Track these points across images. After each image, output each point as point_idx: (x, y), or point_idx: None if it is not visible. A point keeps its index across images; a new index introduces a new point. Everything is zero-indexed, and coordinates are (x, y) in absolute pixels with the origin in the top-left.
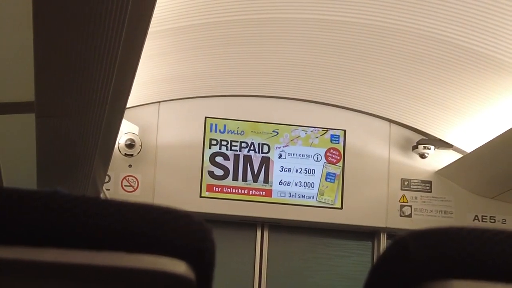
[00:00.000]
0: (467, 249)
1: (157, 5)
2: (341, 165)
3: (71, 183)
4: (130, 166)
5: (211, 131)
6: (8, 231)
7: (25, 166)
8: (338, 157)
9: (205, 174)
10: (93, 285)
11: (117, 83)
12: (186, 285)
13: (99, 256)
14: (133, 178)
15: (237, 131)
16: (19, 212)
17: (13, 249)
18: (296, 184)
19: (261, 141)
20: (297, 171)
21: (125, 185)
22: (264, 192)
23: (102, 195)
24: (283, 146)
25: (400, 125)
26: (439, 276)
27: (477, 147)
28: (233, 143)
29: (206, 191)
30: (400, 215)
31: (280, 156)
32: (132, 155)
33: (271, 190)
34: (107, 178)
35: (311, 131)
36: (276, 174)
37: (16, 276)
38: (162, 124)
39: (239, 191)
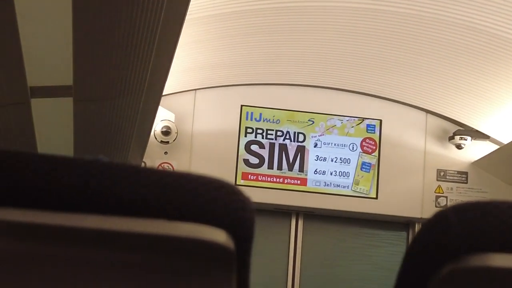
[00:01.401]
0: (507, 223)
1: None
2: (377, 155)
3: None
4: (165, 153)
5: (247, 119)
6: (51, 196)
7: (62, 150)
8: (374, 147)
9: (240, 162)
10: (134, 252)
11: (155, 68)
12: (226, 254)
13: (140, 223)
14: (169, 165)
15: (273, 119)
16: (60, 178)
17: (55, 215)
18: (331, 173)
19: (297, 130)
20: (332, 160)
21: None
22: (299, 181)
23: None
24: (319, 135)
25: (436, 115)
26: (478, 249)
27: None
28: (269, 132)
29: (241, 179)
30: (436, 206)
31: (315, 145)
32: (168, 142)
33: (306, 179)
34: (142, 165)
35: (347, 120)
36: (311, 163)
37: (57, 242)
38: (198, 111)
39: (274, 179)
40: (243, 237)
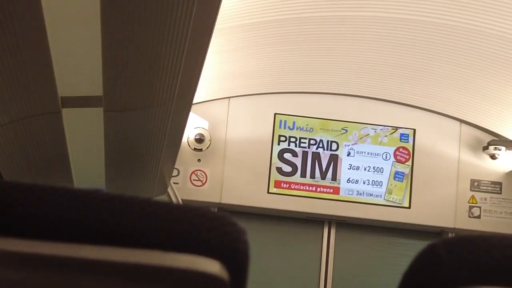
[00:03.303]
0: (496, 257)
1: (227, 1)
2: (410, 164)
3: (139, 176)
4: (199, 160)
5: (280, 127)
6: (48, 227)
7: (94, 160)
8: (407, 156)
9: (273, 170)
10: (128, 283)
11: (184, 78)
12: (220, 285)
13: (136, 254)
14: (202, 173)
15: (306, 128)
16: (58, 209)
17: (51, 245)
18: (364, 182)
19: (330, 139)
20: (365, 169)
21: (193, 179)
22: (331, 190)
23: (170, 189)
24: (352, 144)
25: (470, 125)
26: (469, 283)
27: None
28: (302, 140)
29: (274, 187)
30: (469, 216)
31: (348, 154)
32: (201, 149)
33: (339, 187)
34: (175, 172)
35: (381, 129)
36: (344, 172)
37: (55, 272)
38: (232, 119)
39: (307, 188)
40: (237, 268)
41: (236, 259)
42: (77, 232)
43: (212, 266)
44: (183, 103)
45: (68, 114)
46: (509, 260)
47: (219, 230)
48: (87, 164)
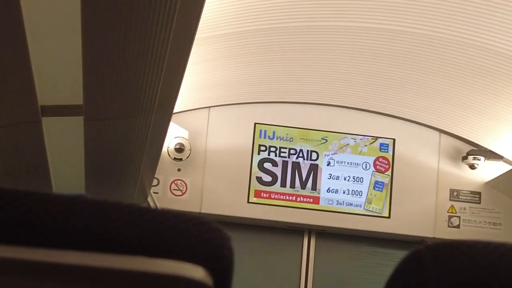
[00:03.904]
0: (481, 264)
1: (208, 11)
2: (390, 174)
3: (119, 185)
4: (179, 170)
5: (260, 137)
6: (32, 233)
7: (73, 169)
8: (387, 166)
9: (253, 179)
10: None
11: (164, 87)
12: None
13: (120, 260)
14: (182, 182)
15: (286, 137)
16: (40, 215)
17: (35, 251)
18: (344, 192)
19: (310, 148)
20: (345, 179)
21: (173, 189)
22: (311, 199)
23: (149, 198)
24: (332, 154)
25: (450, 135)
26: None
27: None
28: (282, 150)
29: (254, 197)
30: (448, 226)
31: (328, 164)
32: (181, 159)
33: (319, 197)
34: (155, 182)
35: (360, 139)
36: (324, 182)
37: (39, 279)
38: (212, 129)
39: (287, 197)
40: (221, 274)
41: (220, 265)
42: (60, 238)
43: (196, 272)
44: (164, 112)
45: (48, 123)
46: (493, 267)
47: (203, 236)
48: (67, 173)
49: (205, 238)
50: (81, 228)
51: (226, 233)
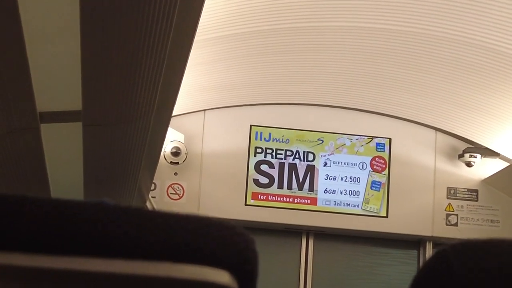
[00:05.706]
0: (508, 262)
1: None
2: (387, 174)
3: (117, 191)
4: (175, 174)
5: (256, 139)
6: (55, 241)
7: (72, 174)
8: (384, 166)
9: (250, 182)
10: None
11: (163, 92)
12: None
13: (145, 266)
14: (179, 186)
15: (282, 139)
16: (65, 222)
17: (60, 259)
18: (341, 193)
19: (306, 149)
20: (342, 179)
21: (170, 193)
22: (309, 200)
23: (148, 203)
24: (328, 154)
25: (446, 134)
26: None
27: None
28: (278, 151)
29: (251, 199)
30: (446, 224)
31: (325, 164)
32: (177, 163)
33: (316, 198)
34: (153, 186)
35: (357, 139)
36: (321, 182)
37: (63, 285)
38: (208, 132)
39: (284, 199)
40: (246, 277)
41: (245, 268)
42: (83, 245)
43: (222, 277)
44: (162, 116)
45: (46, 129)
46: None
47: (228, 240)
48: (65, 179)
49: (230, 242)
50: (104, 234)
51: (250, 236)
